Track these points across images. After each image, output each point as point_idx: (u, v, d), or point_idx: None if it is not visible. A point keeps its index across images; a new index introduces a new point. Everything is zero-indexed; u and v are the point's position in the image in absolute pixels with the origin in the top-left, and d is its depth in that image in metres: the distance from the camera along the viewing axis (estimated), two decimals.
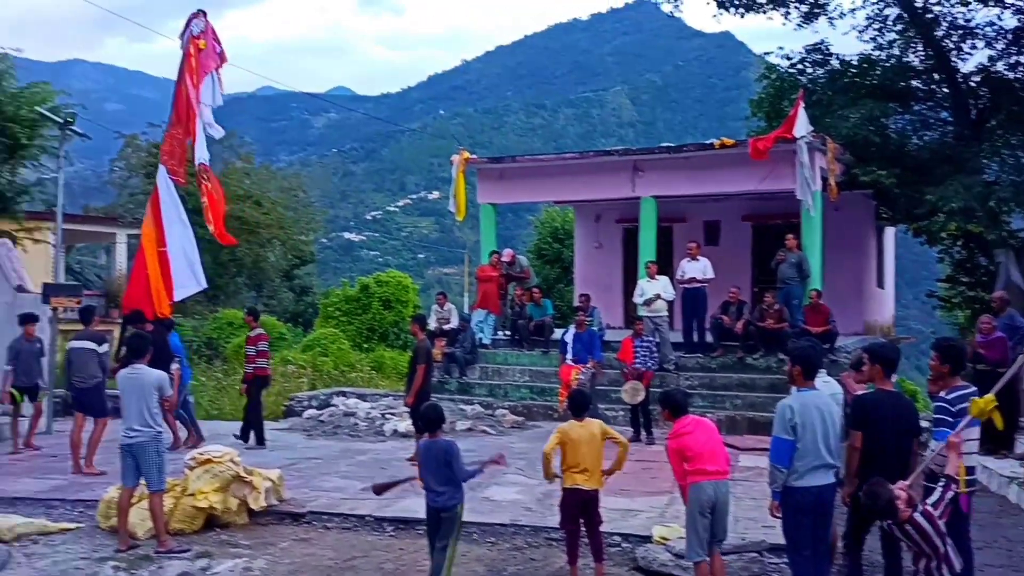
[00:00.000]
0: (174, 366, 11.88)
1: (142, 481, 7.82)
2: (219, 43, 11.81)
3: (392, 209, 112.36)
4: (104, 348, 11.33)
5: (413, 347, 11.98)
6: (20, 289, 14.74)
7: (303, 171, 68.93)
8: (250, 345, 13.18)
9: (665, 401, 6.69)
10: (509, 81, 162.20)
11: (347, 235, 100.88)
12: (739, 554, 7.54)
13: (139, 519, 8.02)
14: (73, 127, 16.84)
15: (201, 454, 8.89)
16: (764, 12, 21.47)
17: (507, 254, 18.35)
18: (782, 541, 6.35)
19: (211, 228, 11.84)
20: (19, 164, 21.83)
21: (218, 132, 12.14)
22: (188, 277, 11.66)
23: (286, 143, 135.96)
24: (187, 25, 11.63)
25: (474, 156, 18.74)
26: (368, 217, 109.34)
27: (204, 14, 11.68)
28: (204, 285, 12.07)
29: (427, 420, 6.76)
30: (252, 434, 13.06)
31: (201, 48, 11.56)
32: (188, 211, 11.94)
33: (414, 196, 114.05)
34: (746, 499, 9.32)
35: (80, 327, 12.06)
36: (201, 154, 11.76)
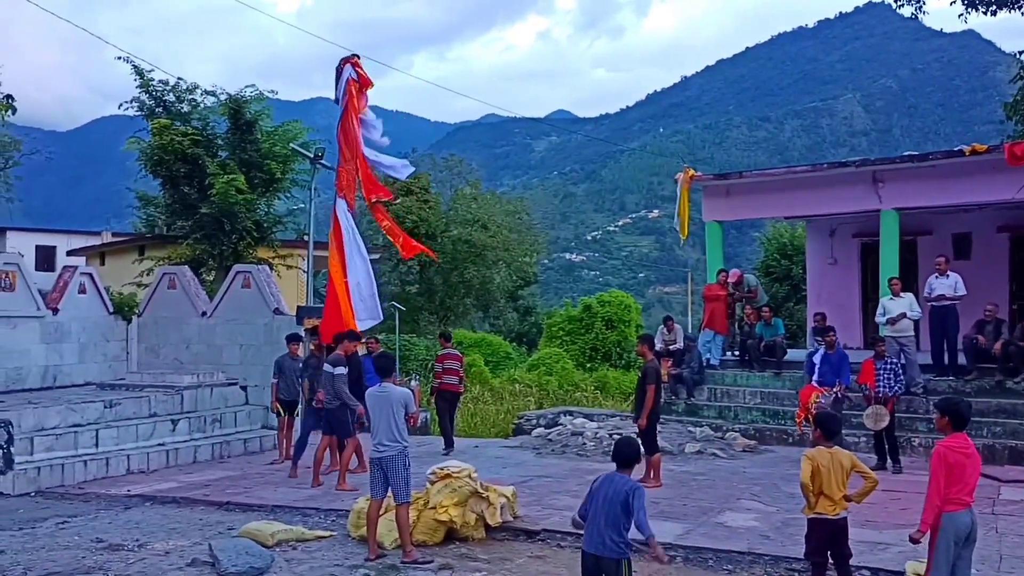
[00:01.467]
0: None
1: (389, 493, 8.21)
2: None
3: (612, 229, 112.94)
4: (340, 371, 11.45)
5: (641, 368, 11.87)
6: (277, 312, 16.04)
7: (525, 194, 70.88)
8: (438, 363, 15.09)
9: (947, 408, 6.15)
10: (731, 95, 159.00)
11: (568, 256, 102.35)
12: None
13: (386, 529, 8.44)
14: (322, 160, 18.13)
15: (441, 468, 9.23)
16: (1019, 8, 19.72)
17: (734, 274, 17.83)
18: None
19: (397, 244, 13.69)
20: (274, 196, 23.96)
21: (404, 171, 13.71)
22: (363, 310, 12.48)
23: (509, 167, 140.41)
24: (350, 68, 12.50)
25: (699, 173, 18.43)
26: (588, 238, 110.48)
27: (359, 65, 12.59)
28: (381, 318, 13.31)
29: (617, 454, 6.05)
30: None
31: (364, 91, 12.66)
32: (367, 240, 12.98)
33: (634, 215, 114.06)
34: (1011, 535, 8.60)
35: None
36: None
